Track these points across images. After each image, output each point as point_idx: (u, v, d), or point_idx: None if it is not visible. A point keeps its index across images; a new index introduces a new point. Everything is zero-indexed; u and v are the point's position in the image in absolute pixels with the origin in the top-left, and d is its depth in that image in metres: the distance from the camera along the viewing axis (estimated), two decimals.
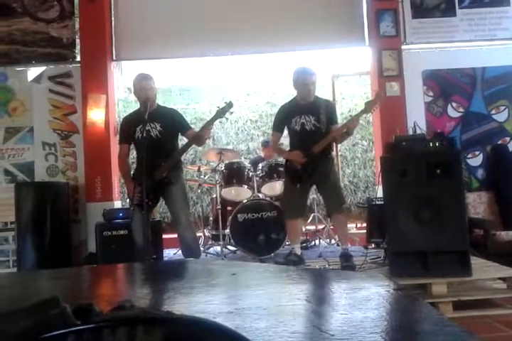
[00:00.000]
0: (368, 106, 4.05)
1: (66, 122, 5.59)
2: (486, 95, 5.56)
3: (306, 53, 6.02)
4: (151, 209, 4.04)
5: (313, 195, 5.26)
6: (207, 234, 5.39)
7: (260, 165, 5.05)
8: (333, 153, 4.42)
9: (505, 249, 4.19)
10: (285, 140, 4.55)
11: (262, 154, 5.90)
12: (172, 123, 3.96)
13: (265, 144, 5.93)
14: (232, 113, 3.87)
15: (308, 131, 4.07)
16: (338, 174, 5.46)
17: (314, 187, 4.50)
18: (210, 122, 3.89)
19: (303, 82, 4.07)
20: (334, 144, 4.43)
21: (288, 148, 4.35)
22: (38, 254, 4.81)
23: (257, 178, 4.96)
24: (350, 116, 6.24)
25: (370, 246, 4.26)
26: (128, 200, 4.37)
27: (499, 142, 5.52)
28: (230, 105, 3.83)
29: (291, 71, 4.26)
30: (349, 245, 4.35)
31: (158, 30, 5.69)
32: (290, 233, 4.35)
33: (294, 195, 4.20)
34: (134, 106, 5.87)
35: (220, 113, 3.82)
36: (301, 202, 4.25)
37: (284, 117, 4.21)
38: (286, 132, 4.35)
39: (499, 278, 3.41)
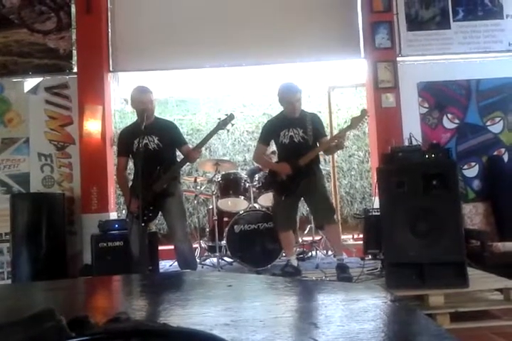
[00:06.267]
0: (354, 122, 4.11)
1: (62, 133, 5.59)
2: (481, 107, 5.60)
3: (302, 65, 6.05)
4: (150, 221, 4.04)
5: None
6: (203, 245, 5.37)
7: (257, 176, 5.04)
8: (321, 165, 4.43)
9: (501, 260, 4.19)
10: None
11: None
12: (169, 136, 3.99)
13: None
14: (233, 125, 3.94)
15: (297, 144, 4.11)
16: (328, 185, 5.44)
17: None
18: (212, 133, 3.96)
19: (288, 100, 4.14)
20: (321, 156, 4.45)
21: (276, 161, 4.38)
22: (33, 266, 4.78)
23: (254, 189, 4.95)
24: (341, 129, 6.27)
25: (366, 258, 4.25)
26: (124, 212, 4.36)
27: (495, 153, 5.55)
28: (231, 117, 3.90)
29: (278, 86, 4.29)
30: (344, 255, 4.34)
31: (155, 42, 5.73)
32: (284, 245, 4.35)
33: (283, 207, 4.23)
34: (131, 117, 5.88)
35: (222, 124, 3.90)
36: (290, 214, 4.29)
37: (272, 131, 4.26)
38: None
39: (496, 290, 3.41)
